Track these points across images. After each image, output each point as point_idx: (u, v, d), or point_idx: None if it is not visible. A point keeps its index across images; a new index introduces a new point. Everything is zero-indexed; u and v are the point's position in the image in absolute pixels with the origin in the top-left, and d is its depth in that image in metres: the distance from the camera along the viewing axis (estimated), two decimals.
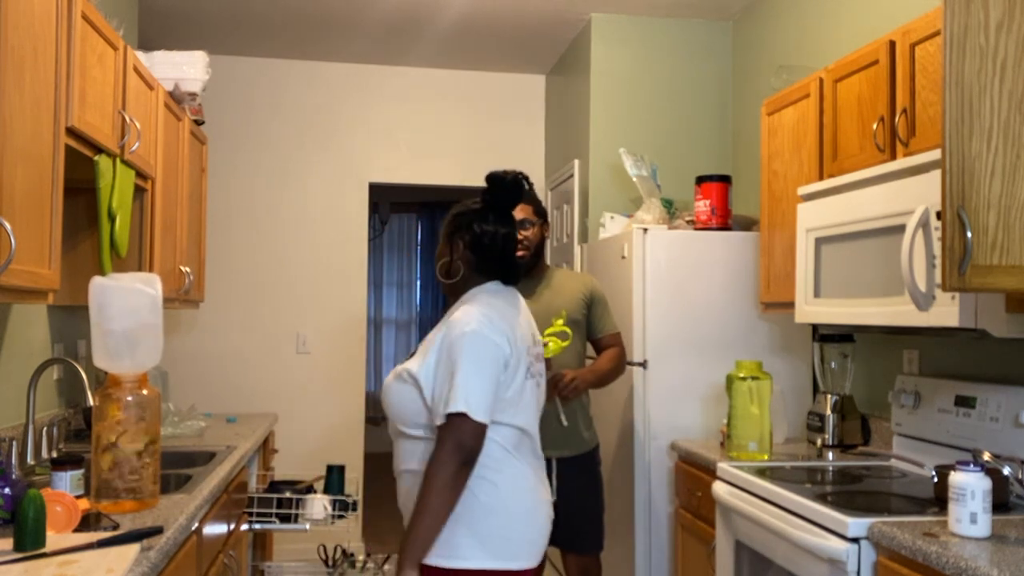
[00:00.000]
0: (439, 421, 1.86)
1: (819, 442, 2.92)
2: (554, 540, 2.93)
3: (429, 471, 1.85)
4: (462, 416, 1.83)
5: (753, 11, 4.09)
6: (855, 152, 2.57)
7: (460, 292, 2.06)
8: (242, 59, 4.96)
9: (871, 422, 2.98)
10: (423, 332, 8.84)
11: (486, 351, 1.89)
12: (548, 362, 2.50)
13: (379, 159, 5.09)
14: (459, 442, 1.84)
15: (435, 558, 1.88)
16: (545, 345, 2.56)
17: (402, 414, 1.96)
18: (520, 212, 2.88)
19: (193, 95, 3.30)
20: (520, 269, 2.12)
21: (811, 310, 2.66)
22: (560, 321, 2.78)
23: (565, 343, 2.72)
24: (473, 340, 1.88)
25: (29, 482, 2.08)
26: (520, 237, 2.87)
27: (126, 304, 1.98)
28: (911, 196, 2.16)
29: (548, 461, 2.83)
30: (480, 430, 1.86)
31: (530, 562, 1.96)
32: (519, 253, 2.85)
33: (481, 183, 4.71)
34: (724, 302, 3.40)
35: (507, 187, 2.04)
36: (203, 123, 3.68)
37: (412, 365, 1.95)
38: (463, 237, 2.04)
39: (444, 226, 2.09)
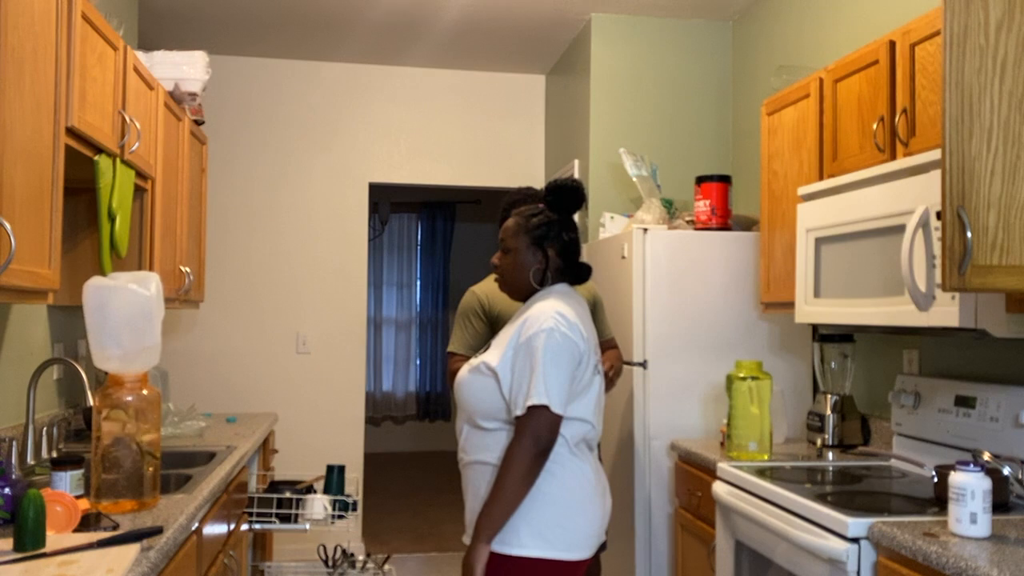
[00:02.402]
0: (518, 412, 1.96)
1: (819, 442, 2.92)
2: None
3: (508, 459, 1.95)
4: (543, 408, 1.94)
5: (753, 11, 4.09)
6: (855, 152, 2.57)
7: (529, 294, 2.17)
8: (242, 59, 4.96)
9: (871, 422, 2.98)
10: (423, 332, 8.84)
11: (563, 346, 1.99)
12: None
13: (379, 159, 5.09)
14: (537, 433, 1.94)
15: (494, 544, 1.97)
16: None
17: (480, 407, 2.05)
18: None
19: (193, 95, 3.30)
20: (589, 270, 2.24)
21: (811, 310, 2.66)
22: None
23: None
24: (551, 336, 1.99)
25: (29, 482, 2.08)
26: None
27: (121, 304, 1.98)
28: (911, 196, 2.16)
29: None
30: (557, 422, 1.97)
31: (584, 553, 2.04)
32: None
33: (481, 183, 4.80)
34: (724, 302, 3.40)
35: (575, 194, 2.16)
36: (203, 123, 3.68)
37: (490, 359, 2.05)
38: (552, 245, 2.16)
39: (521, 234, 2.16)
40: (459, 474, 2.18)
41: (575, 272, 2.20)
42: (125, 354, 1.97)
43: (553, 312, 2.03)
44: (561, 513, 2.00)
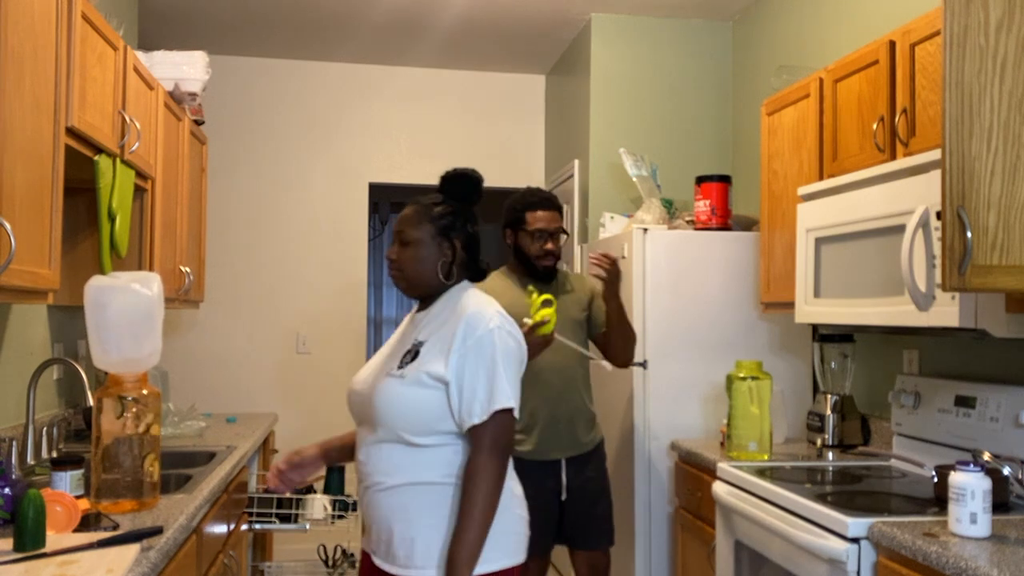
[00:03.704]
0: (477, 420, 1.79)
1: (819, 442, 2.92)
2: (564, 538, 2.92)
3: (477, 475, 1.77)
4: (507, 412, 1.80)
5: (753, 11, 4.09)
6: (855, 152, 2.57)
7: (435, 292, 1.98)
8: (242, 59, 4.96)
9: (871, 422, 2.97)
10: None
11: (512, 347, 1.86)
12: (547, 337, 2.51)
13: (379, 159, 5.09)
14: (500, 439, 1.80)
15: None
16: (547, 323, 2.50)
17: (417, 421, 1.83)
18: (552, 222, 2.90)
19: (193, 95, 3.30)
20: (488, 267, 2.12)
21: (811, 310, 2.66)
22: (534, 295, 2.61)
23: (553, 308, 2.57)
24: (500, 335, 1.85)
25: (29, 482, 2.08)
26: (551, 247, 2.90)
27: (123, 304, 1.97)
28: (911, 196, 2.16)
29: (556, 462, 2.83)
30: (514, 426, 1.84)
31: (525, 554, 1.94)
32: (548, 263, 2.90)
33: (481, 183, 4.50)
34: (724, 302, 3.40)
35: (471, 182, 2.02)
36: (203, 123, 3.68)
37: (432, 367, 1.84)
38: (458, 237, 1.97)
39: (424, 223, 1.96)
40: None
41: (477, 268, 2.02)
42: (125, 354, 1.97)
43: (494, 311, 1.88)
44: (509, 518, 1.88)
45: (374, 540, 1.90)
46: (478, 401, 1.80)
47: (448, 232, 1.96)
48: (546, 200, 2.92)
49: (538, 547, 2.81)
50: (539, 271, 2.90)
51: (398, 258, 1.97)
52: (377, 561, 1.88)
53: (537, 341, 2.51)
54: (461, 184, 2.01)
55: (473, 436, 1.80)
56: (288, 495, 3.25)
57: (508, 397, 1.80)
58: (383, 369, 1.93)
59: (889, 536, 1.87)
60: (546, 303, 2.51)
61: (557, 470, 2.85)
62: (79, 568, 1.52)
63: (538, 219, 2.89)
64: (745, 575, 2.54)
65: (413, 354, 1.89)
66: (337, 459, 2.13)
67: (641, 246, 3.35)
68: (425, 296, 1.99)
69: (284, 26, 4.47)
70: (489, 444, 1.79)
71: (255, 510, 3.20)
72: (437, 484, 1.83)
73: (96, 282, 1.99)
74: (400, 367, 1.88)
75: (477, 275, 2.03)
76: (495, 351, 1.82)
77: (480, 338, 1.83)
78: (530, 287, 2.72)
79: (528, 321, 2.47)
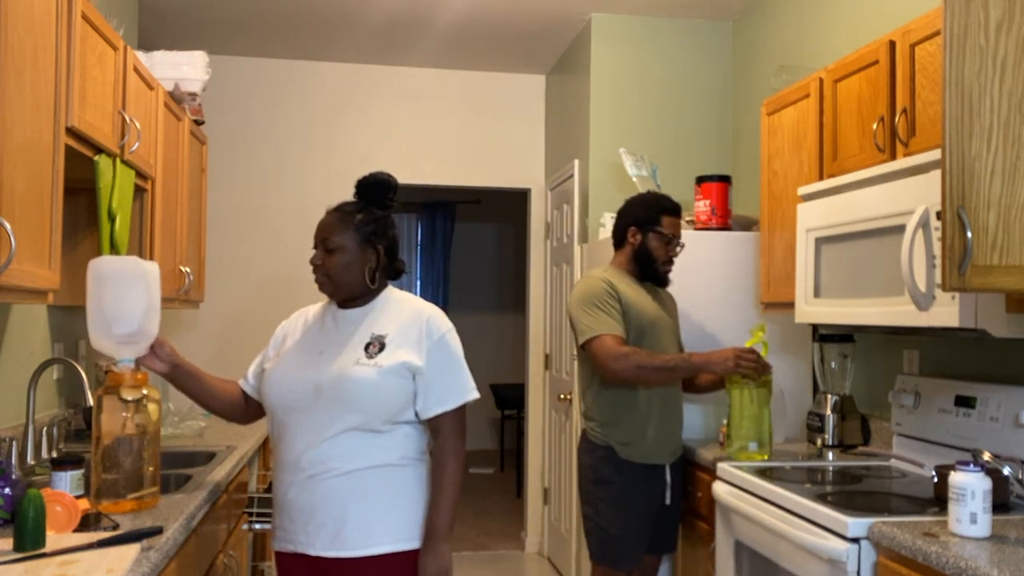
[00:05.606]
0: (449, 407, 1.99)
1: (819, 442, 2.92)
2: (660, 546, 2.92)
3: (452, 456, 2.00)
4: (467, 402, 2.03)
5: (753, 11, 4.09)
6: (855, 152, 2.57)
7: (360, 295, 2.07)
8: (242, 59, 4.96)
9: (871, 422, 2.97)
10: None
11: (460, 347, 2.08)
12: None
13: (379, 159, 5.08)
14: (464, 425, 2.03)
15: (409, 543, 1.97)
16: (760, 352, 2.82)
17: (391, 408, 1.96)
18: (679, 228, 2.93)
19: (193, 95, 3.30)
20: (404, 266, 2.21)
21: (811, 310, 2.66)
22: (764, 327, 2.91)
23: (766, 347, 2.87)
24: (455, 336, 2.06)
25: (29, 482, 2.08)
26: (676, 255, 2.95)
27: (119, 271, 2.00)
28: (911, 196, 2.16)
29: (663, 466, 2.85)
30: None
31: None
32: (669, 269, 2.93)
33: (481, 183, 4.75)
34: (724, 302, 3.39)
35: (385, 186, 2.10)
36: (203, 123, 3.68)
37: (408, 359, 1.97)
38: (382, 243, 2.06)
39: (349, 231, 2.03)
40: None
41: (397, 268, 2.13)
42: (123, 327, 1.96)
43: (442, 312, 2.09)
44: (424, 504, 2.03)
45: (311, 531, 1.96)
46: (452, 392, 2.00)
47: (372, 239, 2.05)
48: (679, 207, 2.94)
49: (638, 557, 2.82)
50: (659, 275, 2.92)
51: (325, 264, 2.04)
52: (315, 552, 1.95)
53: (750, 362, 2.74)
54: (378, 190, 2.09)
55: (443, 422, 2.00)
56: None
57: (475, 389, 2.04)
58: (333, 358, 2.00)
59: (889, 536, 1.87)
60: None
61: (663, 475, 2.87)
62: (79, 568, 1.53)
63: (673, 225, 2.91)
64: (745, 575, 2.54)
65: (379, 346, 2.00)
66: (182, 379, 2.23)
67: None
68: (350, 298, 2.08)
69: (284, 26, 4.47)
70: (460, 429, 2.02)
71: (255, 510, 3.20)
72: (395, 466, 1.98)
73: (97, 260, 2.03)
74: (369, 357, 1.97)
75: (395, 275, 2.14)
76: (458, 350, 2.05)
77: (443, 336, 2.03)
78: (763, 324, 2.93)
79: (750, 344, 2.83)
